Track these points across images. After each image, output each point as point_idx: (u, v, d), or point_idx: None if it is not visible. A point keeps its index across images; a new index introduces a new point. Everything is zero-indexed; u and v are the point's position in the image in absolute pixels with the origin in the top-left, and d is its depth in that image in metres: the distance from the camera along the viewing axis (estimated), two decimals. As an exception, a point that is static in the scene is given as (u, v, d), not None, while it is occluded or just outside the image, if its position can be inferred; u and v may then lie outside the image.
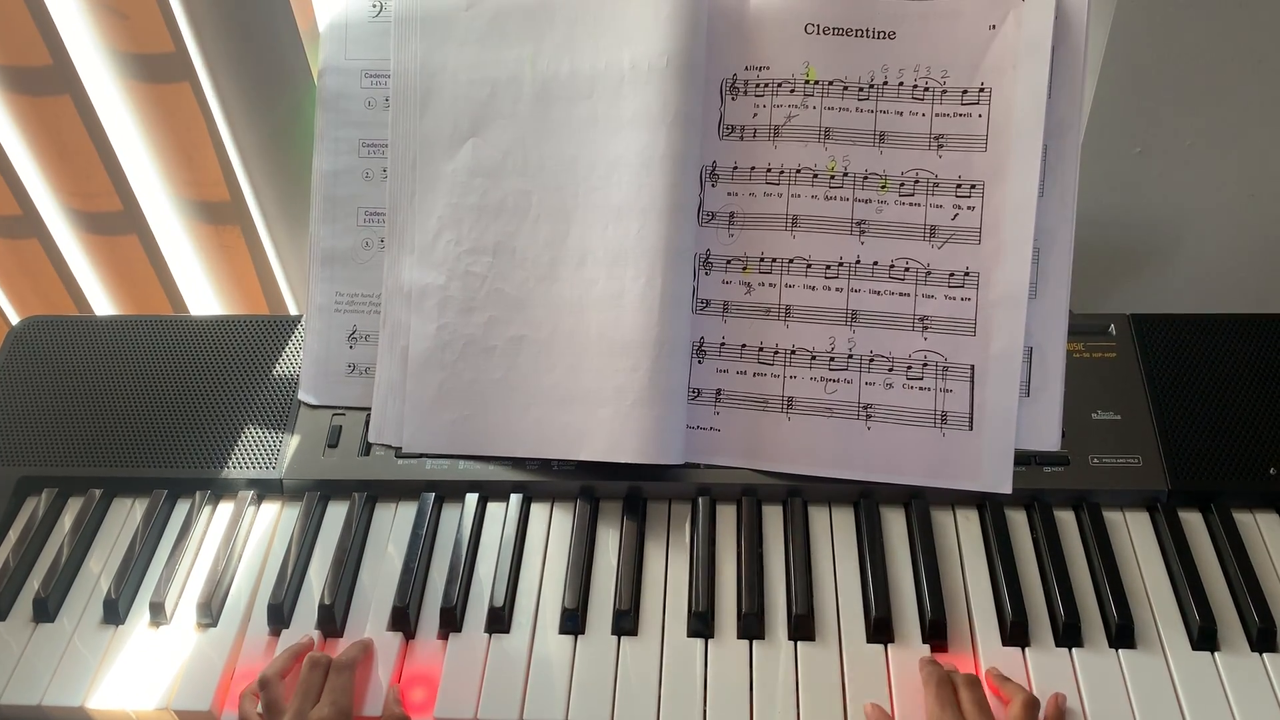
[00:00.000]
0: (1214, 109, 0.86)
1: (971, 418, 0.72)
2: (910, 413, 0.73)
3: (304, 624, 0.71)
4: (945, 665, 0.65)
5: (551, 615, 0.70)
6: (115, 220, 1.01)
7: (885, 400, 0.73)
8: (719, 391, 0.75)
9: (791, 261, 0.75)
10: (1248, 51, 0.83)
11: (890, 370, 0.73)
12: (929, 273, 0.73)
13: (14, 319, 1.09)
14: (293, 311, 1.09)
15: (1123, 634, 0.66)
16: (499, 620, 0.69)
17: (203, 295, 1.09)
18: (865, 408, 0.74)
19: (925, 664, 0.65)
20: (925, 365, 0.73)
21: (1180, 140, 0.88)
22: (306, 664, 0.66)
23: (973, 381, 0.72)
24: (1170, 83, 0.85)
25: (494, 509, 0.76)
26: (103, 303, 1.09)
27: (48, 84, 0.91)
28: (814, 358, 0.74)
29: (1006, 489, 0.71)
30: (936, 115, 0.73)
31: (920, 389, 0.73)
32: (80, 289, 1.06)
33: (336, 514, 0.77)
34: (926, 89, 0.73)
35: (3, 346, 0.86)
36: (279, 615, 0.71)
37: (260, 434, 0.79)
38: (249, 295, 1.07)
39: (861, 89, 0.74)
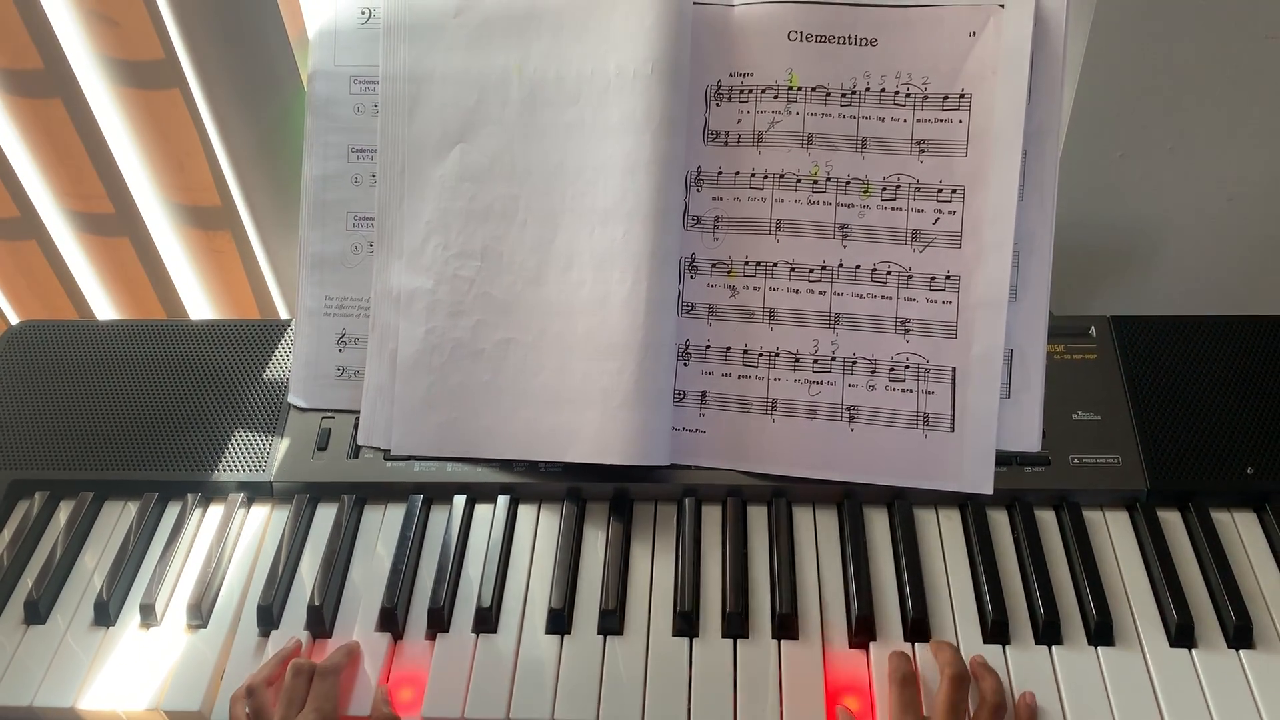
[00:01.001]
0: (1194, 113, 0.87)
1: (953, 419, 0.73)
2: (892, 414, 0.74)
3: (293, 625, 0.71)
4: (930, 653, 0.66)
5: (538, 615, 0.70)
6: (108, 223, 1.01)
7: (868, 402, 0.74)
8: (704, 394, 0.76)
9: (775, 265, 0.76)
10: (1227, 56, 0.84)
11: (873, 372, 0.74)
12: (911, 276, 0.74)
13: (12, 318, 1.09)
14: (283, 316, 1.09)
15: (1102, 632, 0.66)
16: (486, 620, 0.70)
17: (194, 299, 1.09)
18: (848, 409, 0.74)
19: (892, 658, 0.65)
20: (907, 367, 0.74)
21: (1161, 145, 0.89)
22: (290, 671, 0.66)
23: (954, 383, 0.73)
24: (1151, 87, 0.86)
25: (482, 510, 0.77)
26: (99, 303, 1.10)
27: (40, 87, 0.92)
28: (798, 360, 0.75)
29: (987, 490, 0.72)
30: (918, 121, 0.74)
31: (902, 391, 0.74)
32: (78, 289, 1.06)
33: (326, 516, 0.77)
34: (908, 95, 0.74)
35: (-5, 350, 0.86)
36: (268, 616, 0.71)
37: (250, 437, 0.80)
38: (240, 299, 1.08)
39: (844, 95, 0.75)
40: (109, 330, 0.87)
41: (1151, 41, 0.83)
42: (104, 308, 1.10)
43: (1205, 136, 0.88)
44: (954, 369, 0.73)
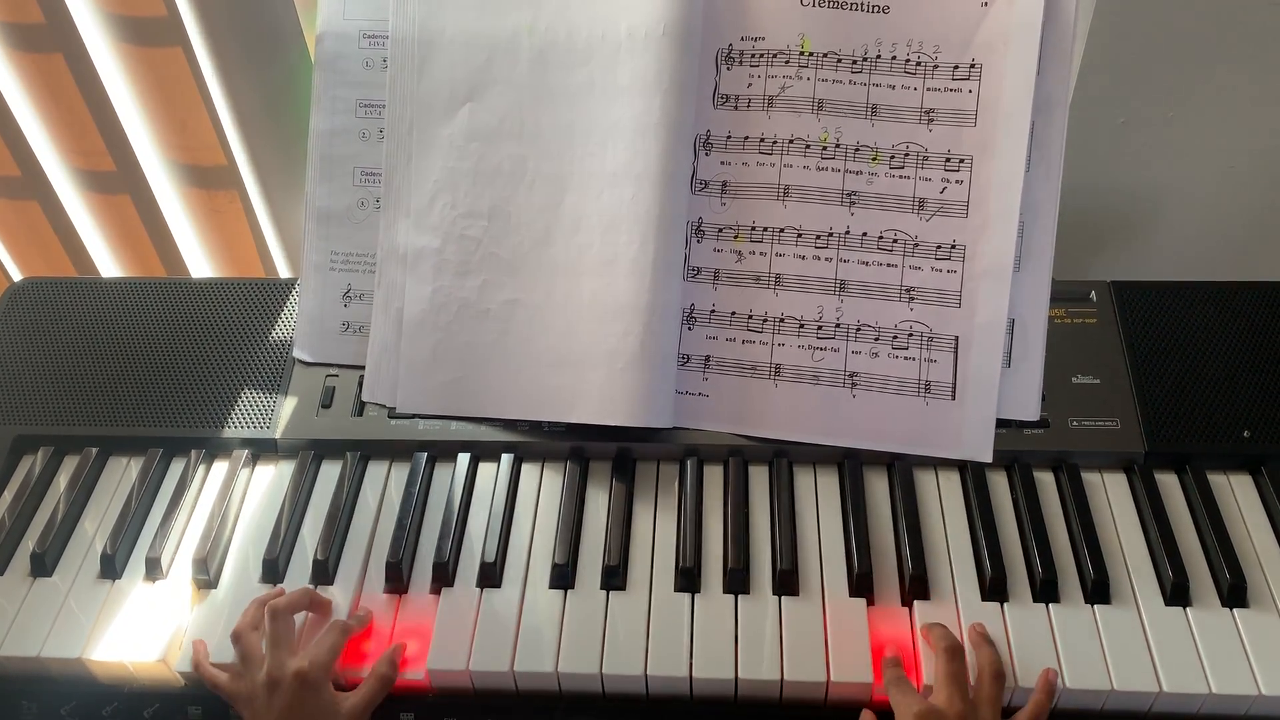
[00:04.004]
0: (1196, 81, 0.87)
1: (954, 387, 0.74)
2: (895, 381, 0.75)
3: (298, 579, 0.72)
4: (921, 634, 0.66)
5: (542, 571, 0.71)
6: (110, 180, 1.01)
7: (871, 369, 0.75)
8: (708, 358, 0.77)
9: (782, 231, 0.76)
10: (1229, 24, 0.84)
11: (876, 340, 0.75)
12: (917, 245, 0.75)
13: (15, 276, 1.09)
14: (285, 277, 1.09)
15: (1098, 590, 0.68)
16: (490, 575, 0.70)
17: (197, 258, 1.09)
18: (851, 376, 0.75)
19: (934, 630, 0.64)
20: (911, 335, 0.75)
21: (1163, 112, 0.89)
22: (267, 614, 0.65)
23: (957, 352, 0.74)
24: (1154, 55, 0.86)
25: (485, 469, 0.77)
26: (102, 262, 1.09)
27: (42, 42, 0.91)
28: (802, 326, 0.76)
29: (987, 458, 0.73)
30: (928, 90, 0.75)
31: (905, 358, 0.75)
32: (81, 247, 1.06)
33: (330, 473, 0.78)
34: (919, 64, 0.75)
35: (-1, 306, 0.86)
36: (274, 570, 0.72)
37: (255, 394, 0.80)
38: (242, 260, 1.07)
39: (855, 62, 0.75)
40: (114, 287, 0.87)
41: (1154, 9, 0.83)
42: (106, 266, 1.09)
43: (1206, 104, 0.89)
44: (957, 338, 0.74)
